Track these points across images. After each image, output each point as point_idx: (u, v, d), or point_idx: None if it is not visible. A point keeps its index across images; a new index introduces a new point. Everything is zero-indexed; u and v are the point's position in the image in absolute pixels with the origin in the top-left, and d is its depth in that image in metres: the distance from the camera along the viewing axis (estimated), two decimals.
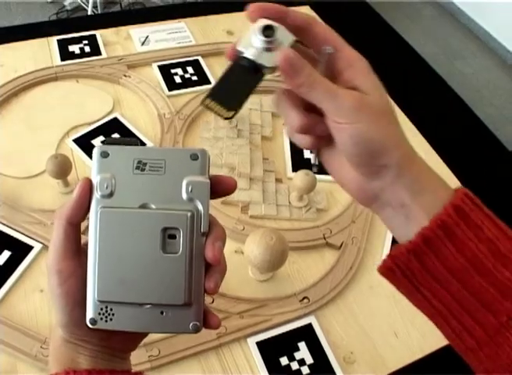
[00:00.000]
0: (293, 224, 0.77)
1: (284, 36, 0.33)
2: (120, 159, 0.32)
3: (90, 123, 0.88)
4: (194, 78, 0.99)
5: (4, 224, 0.70)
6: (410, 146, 0.34)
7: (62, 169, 0.72)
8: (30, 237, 0.70)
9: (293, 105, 0.34)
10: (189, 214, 0.31)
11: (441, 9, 3.06)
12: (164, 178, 0.32)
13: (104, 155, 0.32)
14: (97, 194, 0.32)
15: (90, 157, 0.79)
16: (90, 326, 0.32)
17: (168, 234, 0.31)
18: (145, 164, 0.32)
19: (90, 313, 0.32)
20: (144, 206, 0.31)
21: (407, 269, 0.32)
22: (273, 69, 0.33)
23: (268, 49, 0.32)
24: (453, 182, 0.68)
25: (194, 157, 0.32)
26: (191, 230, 0.31)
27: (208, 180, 0.32)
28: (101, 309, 0.32)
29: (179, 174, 0.32)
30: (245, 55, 0.33)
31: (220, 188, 0.33)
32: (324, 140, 0.35)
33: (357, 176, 0.34)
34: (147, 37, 1.08)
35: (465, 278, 0.30)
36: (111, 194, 0.32)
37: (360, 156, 0.33)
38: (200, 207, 0.31)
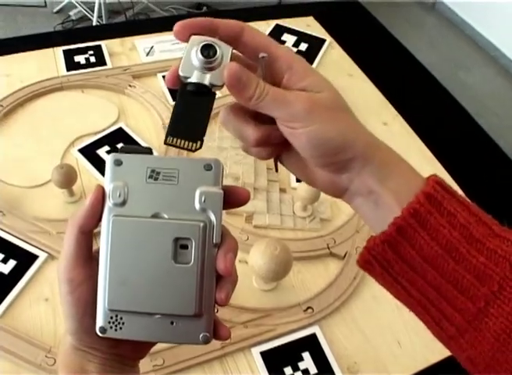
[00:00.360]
0: (297, 234, 0.77)
1: (223, 49, 0.32)
2: (133, 168, 0.32)
3: (95, 133, 0.88)
4: None
5: (9, 233, 0.71)
6: (371, 134, 0.34)
7: (67, 178, 0.73)
8: (35, 247, 0.70)
9: (243, 120, 0.34)
10: (201, 225, 0.31)
11: (443, 19, 3.07)
12: (177, 188, 0.31)
13: (118, 163, 0.32)
14: (109, 203, 0.31)
15: (96, 167, 0.81)
16: (99, 334, 0.32)
17: (180, 244, 0.31)
18: (158, 173, 0.31)
19: (100, 322, 0.32)
20: (156, 215, 0.31)
21: (384, 260, 0.32)
22: (222, 86, 0.32)
23: (211, 68, 0.32)
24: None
25: (208, 167, 0.31)
26: (203, 240, 0.31)
27: (222, 191, 0.31)
28: (111, 318, 0.32)
29: (193, 184, 0.31)
30: (191, 79, 0.32)
31: (233, 199, 0.33)
32: (281, 146, 0.35)
33: (324, 174, 0.34)
34: (151, 47, 1.09)
35: (441, 265, 0.30)
36: (123, 203, 0.31)
37: (323, 157, 0.32)
38: (212, 218, 0.31)
